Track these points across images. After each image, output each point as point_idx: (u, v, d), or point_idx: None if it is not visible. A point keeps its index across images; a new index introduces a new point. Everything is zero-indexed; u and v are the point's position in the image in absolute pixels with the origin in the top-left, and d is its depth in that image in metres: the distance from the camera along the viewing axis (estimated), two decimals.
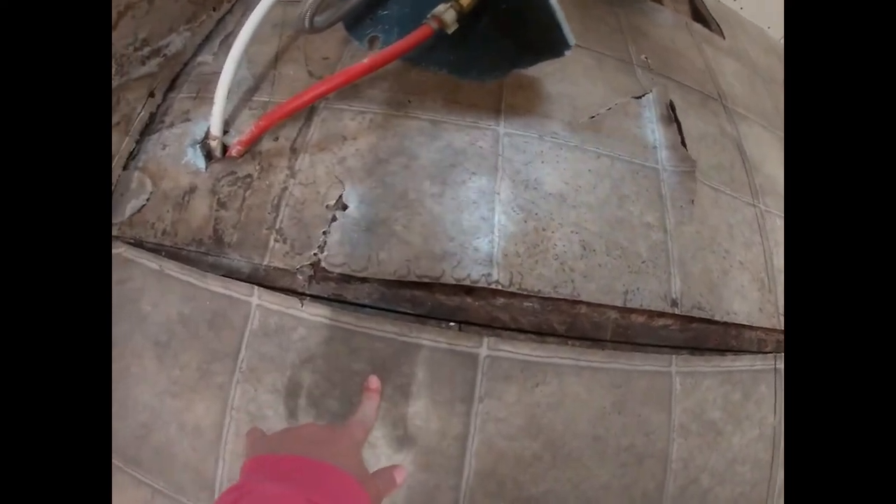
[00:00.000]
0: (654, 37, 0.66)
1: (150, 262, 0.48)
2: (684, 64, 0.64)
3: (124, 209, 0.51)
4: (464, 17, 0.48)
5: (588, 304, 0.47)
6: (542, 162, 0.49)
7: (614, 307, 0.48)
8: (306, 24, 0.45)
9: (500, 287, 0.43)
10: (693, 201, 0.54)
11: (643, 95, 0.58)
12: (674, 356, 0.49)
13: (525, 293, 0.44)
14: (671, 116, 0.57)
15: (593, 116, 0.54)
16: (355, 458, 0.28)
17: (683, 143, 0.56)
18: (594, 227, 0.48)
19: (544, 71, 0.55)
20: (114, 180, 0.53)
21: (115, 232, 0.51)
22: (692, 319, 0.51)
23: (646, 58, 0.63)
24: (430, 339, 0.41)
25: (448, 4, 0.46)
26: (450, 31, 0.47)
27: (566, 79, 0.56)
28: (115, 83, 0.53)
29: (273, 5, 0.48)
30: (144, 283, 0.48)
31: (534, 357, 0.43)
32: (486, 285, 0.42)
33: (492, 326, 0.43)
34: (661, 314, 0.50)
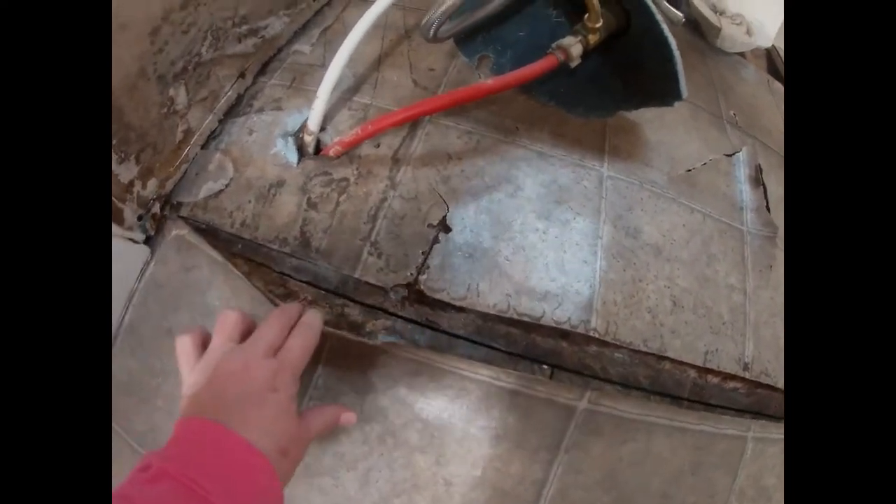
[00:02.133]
0: (740, 92, 0.65)
1: (217, 255, 0.43)
2: (766, 123, 0.63)
3: (199, 190, 0.47)
4: (587, 54, 0.45)
5: (672, 360, 0.44)
6: (642, 210, 0.46)
7: (694, 366, 0.46)
8: (431, 33, 0.42)
9: (597, 335, 0.40)
10: (772, 267, 0.52)
11: (734, 154, 0.56)
12: (752, 422, 0.47)
13: (617, 343, 0.41)
14: (759, 178, 0.55)
15: (690, 170, 0.52)
16: (280, 424, 0.26)
17: (767, 207, 0.54)
18: (684, 283, 0.46)
19: (644, 117, 0.52)
20: (190, 157, 0.49)
21: (184, 213, 0.47)
22: (758, 385, 0.49)
23: (734, 114, 0.61)
24: (527, 386, 0.38)
25: (577, 38, 0.44)
26: (573, 65, 0.45)
27: (664, 127, 0.53)
28: (208, 56, 0.48)
29: (389, 6, 0.44)
30: (213, 274, 0.44)
31: (630, 414, 0.41)
32: (584, 331, 0.40)
33: (581, 373, 0.40)
34: (733, 377, 0.48)
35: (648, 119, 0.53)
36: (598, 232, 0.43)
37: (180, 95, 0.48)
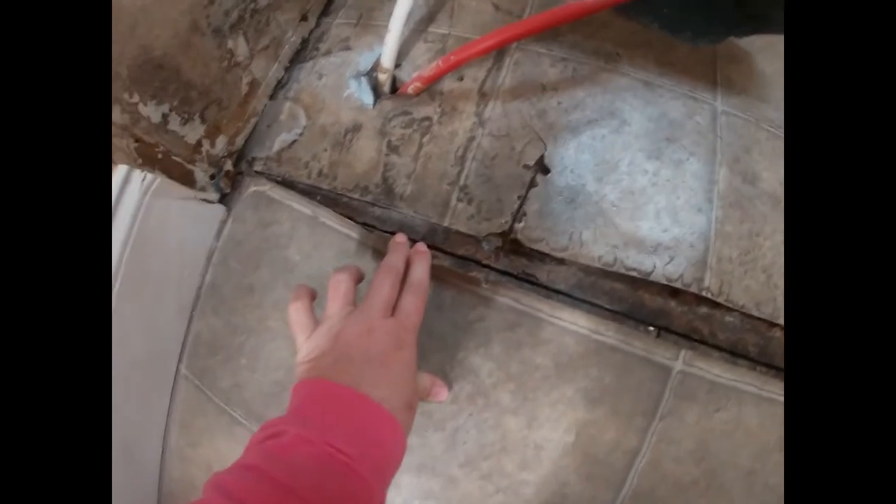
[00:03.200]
0: None
1: (303, 206, 0.39)
2: None
3: (272, 143, 0.42)
4: None
5: (783, 328, 0.37)
6: (760, 153, 0.37)
7: None
8: None
9: (710, 295, 0.33)
10: None
11: None
12: None
13: (729, 306, 0.34)
14: None
15: None
16: (407, 380, 0.24)
17: None
18: None
19: (756, 45, 0.42)
20: (258, 109, 0.43)
21: (258, 167, 0.42)
22: None
23: None
24: (625, 342, 0.32)
25: None
26: None
27: (778, 59, 0.43)
28: (264, 1, 0.41)
29: None
30: (294, 228, 0.39)
31: (723, 379, 0.34)
32: (696, 291, 0.33)
33: (689, 337, 0.34)
34: None
35: (760, 48, 0.42)
36: (713, 176, 0.35)
37: (240, 46, 0.42)
